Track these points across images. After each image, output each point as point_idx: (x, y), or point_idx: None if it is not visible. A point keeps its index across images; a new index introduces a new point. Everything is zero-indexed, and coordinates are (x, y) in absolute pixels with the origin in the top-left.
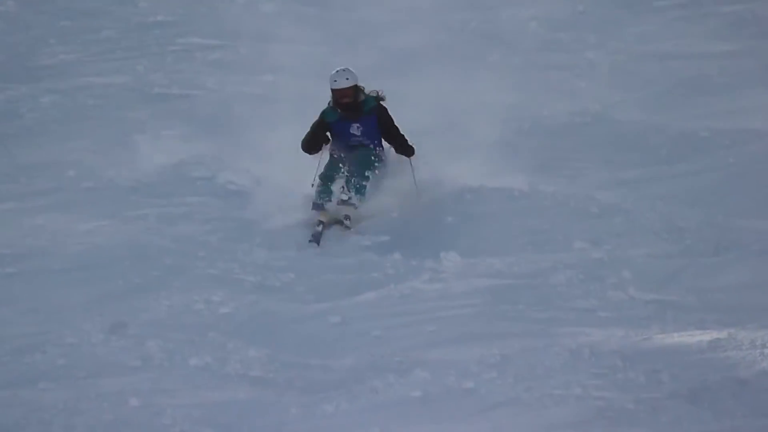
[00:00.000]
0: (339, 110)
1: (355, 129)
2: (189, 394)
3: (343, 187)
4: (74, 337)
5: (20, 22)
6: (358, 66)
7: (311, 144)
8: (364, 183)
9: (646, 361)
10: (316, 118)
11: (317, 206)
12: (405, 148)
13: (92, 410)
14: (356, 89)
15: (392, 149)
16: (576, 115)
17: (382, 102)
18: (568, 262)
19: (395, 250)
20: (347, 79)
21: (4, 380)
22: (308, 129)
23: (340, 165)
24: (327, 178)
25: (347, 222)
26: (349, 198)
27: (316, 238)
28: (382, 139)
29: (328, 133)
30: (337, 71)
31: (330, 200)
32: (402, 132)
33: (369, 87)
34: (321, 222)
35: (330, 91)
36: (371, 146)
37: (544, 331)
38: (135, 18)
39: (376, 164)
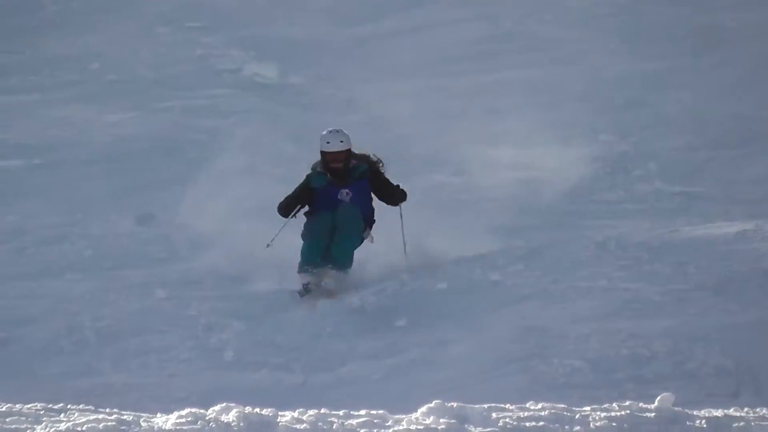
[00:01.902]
0: (328, 175)
1: (343, 195)
2: (214, 287)
3: (329, 265)
4: (101, 229)
5: None
6: None
7: (289, 209)
8: (350, 254)
9: (672, 252)
10: (301, 181)
11: (305, 270)
12: (397, 198)
13: (119, 301)
14: (349, 154)
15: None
16: (600, 5)
17: (378, 164)
18: (594, 155)
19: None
20: (341, 141)
21: (31, 271)
22: (291, 191)
23: (324, 228)
24: (313, 247)
25: (333, 292)
26: (334, 280)
27: (307, 291)
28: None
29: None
30: (330, 132)
31: (316, 274)
32: (393, 183)
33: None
34: (308, 284)
35: (320, 152)
36: (359, 210)
37: (571, 224)
38: None
39: (365, 235)
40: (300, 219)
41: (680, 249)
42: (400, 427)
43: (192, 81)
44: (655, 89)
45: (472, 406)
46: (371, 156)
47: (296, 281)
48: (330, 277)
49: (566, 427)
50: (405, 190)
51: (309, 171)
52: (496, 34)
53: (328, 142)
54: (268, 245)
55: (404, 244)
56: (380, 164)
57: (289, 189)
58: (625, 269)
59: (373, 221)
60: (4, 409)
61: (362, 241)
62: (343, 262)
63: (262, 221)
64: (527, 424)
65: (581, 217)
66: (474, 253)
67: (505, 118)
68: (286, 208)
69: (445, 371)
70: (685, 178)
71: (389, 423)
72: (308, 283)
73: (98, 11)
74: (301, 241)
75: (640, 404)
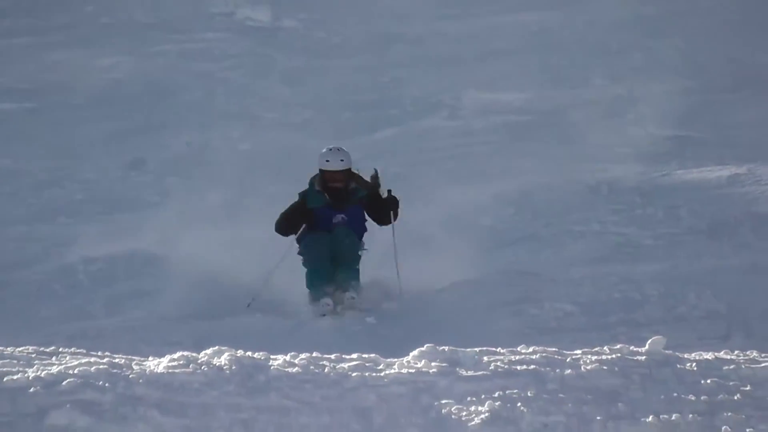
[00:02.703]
0: (326, 195)
1: (338, 219)
2: (208, 229)
3: (337, 289)
4: (93, 173)
5: None
6: None
7: (289, 228)
8: (356, 276)
9: (664, 196)
10: (295, 198)
11: (318, 301)
12: (388, 219)
13: (110, 245)
14: (350, 174)
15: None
16: None
17: (376, 180)
18: (588, 98)
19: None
20: (342, 160)
21: (23, 215)
22: (285, 208)
23: (324, 254)
24: (320, 275)
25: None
26: (352, 297)
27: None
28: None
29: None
30: (330, 150)
31: (330, 303)
32: (384, 196)
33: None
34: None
35: (318, 169)
36: (353, 232)
37: (563, 168)
38: None
39: (361, 253)
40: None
41: (673, 193)
42: (392, 371)
43: (186, 24)
44: (650, 34)
45: (464, 349)
46: (373, 173)
47: (311, 309)
48: (346, 298)
49: (557, 370)
50: (397, 197)
51: (306, 187)
52: None
53: (327, 161)
54: (248, 305)
55: (397, 270)
56: (378, 186)
57: (279, 135)
58: (617, 213)
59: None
60: None
61: (360, 258)
62: (352, 283)
63: (255, 167)
64: (518, 368)
65: (573, 160)
66: (465, 197)
67: (499, 61)
68: (287, 228)
69: (437, 315)
70: (679, 122)
71: (381, 366)
72: (325, 314)
73: None
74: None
75: (632, 347)
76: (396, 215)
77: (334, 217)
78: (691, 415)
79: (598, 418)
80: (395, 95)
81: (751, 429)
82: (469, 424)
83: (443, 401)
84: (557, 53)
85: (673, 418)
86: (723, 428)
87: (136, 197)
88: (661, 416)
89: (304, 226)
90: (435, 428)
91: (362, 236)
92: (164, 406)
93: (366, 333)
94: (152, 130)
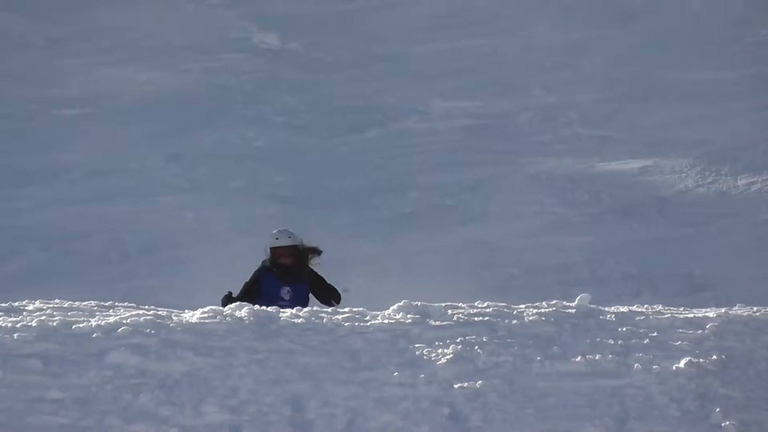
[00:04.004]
0: (275, 270)
1: (284, 293)
2: (231, 209)
3: None
4: (138, 164)
5: None
6: None
7: (234, 301)
8: None
9: (589, 183)
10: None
11: None
12: (333, 296)
13: (155, 220)
14: (297, 250)
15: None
16: None
17: (317, 257)
18: (528, 106)
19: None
20: (289, 237)
21: (78, 197)
22: (239, 288)
23: None
24: None
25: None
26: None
27: None
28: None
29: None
30: (279, 230)
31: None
32: (329, 282)
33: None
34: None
35: (269, 248)
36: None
37: (510, 160)
38: None
39: None
40: None
41: (595, 180)
42: (376, 321)
43: (210, 47)
44: (577, 54)
45: (432, 304)
46: (317, 249)
47: None
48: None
49: (506, 320)
50: (340, 292)
51: (258, 266)
52: (452, 10)
53: (276, 239)
54: None
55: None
56: (319, 254)
57: (286, 134)
58: (552, 196)
59: None
60: (66, 305)
61: None
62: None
63: (266, 160)
64: (476, 318)
65: (518, 155)
66: (432, 183)
67: (458, 76)
68: (228, 301)
69: (411, 278)
70: (599, 124)
71: (367, 318)
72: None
73: None
74: None
75: (564, 302)
76: (338, 301)
77: (280, 290)
78: (610, 355)
79: (538, 358)
80: (377, 103)
81: (657, 365)
82: (437, 363)
83: (416, 345)
84: (503, 70)
85: (597, 357)
86: (635, 365)
87: (173, 183)
88: (587, 356)
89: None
90: (410, 366)
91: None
92: (196, 348)
93: (355, 292)
94: (184, 131)
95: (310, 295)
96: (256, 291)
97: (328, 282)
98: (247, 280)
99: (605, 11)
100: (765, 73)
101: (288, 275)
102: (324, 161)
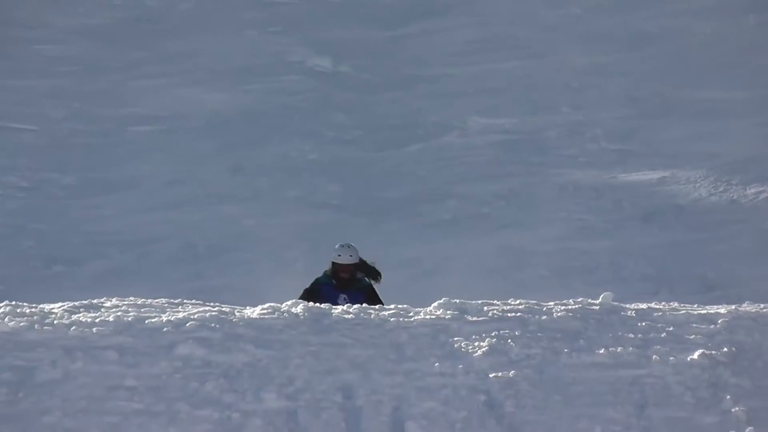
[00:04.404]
0: (334, 282)
1: (341, 300)
2: (288, 216)
3: None
4: (206, 175)
5: None
6: None
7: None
8: None
9: (612, 192)
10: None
11: None
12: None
13: (219, 228)
14: (357, 267)
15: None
16: (564, 15)
17: (374, 281)
18: (557, 122)
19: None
20: (351, 256)
21: (153, 205)
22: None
23: None
24: None
25: None
26: None
27: None
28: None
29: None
30: (342, 246)
31: None
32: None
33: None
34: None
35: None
36: None
37: (540, 172)
38: None
39: None
40: None
41: (617, 190)
42: (419, 317)
43: (270, 70)
44: (600, 75)
45: (469, 302)
46: (375, 268)
47: None
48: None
49: (536, 316)
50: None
51: (320, 275)
52: (487, 36)
53: (339, 255)
54: None
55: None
56: (378, 280)
57: (337, 148)
58: (578, 204)
59: None
60: (140, 302)
61: None
62: None
63: (321, 172)
64: (509, 315)
65: (547, 167)
66: (470, 193)
67: (494, 95)
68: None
69: (451, 278)
70: (621, 139)
71: (411, 314)
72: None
73: (204, 19)
74: None
75: (589, 300)
76: None
77: (339, 298)
78: (631, 348)
79: (565, 350)
80: (419, 120)
81: (673, 357)
82: (474, 355)
83: (455, 338)
84: (535, 90)
85: (619, 350)
86: (653, 357)
87: (236, 193)
88: (609, 349)
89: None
90: (449, 358)
91: None
92: (257, 341)
93: (399, 291)
94: (246, 145)
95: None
96: (314, 297)
97: (380, 297)
98: (307, 287)
99: (625, 37)
100: None
101: (346, 285)
102: (371, 173)
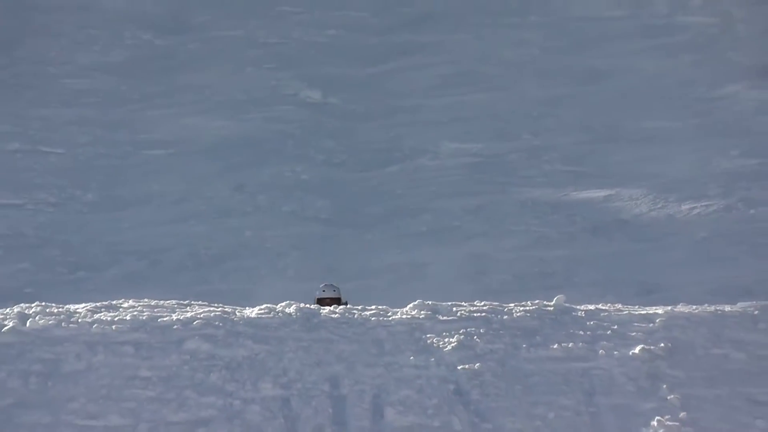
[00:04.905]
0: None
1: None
2: (283, 229)
3: None
4: (210, 193)
5: None
6: None
7: None
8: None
9: (566, 209)
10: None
11: None
12: None
13: (222, 239)
14: (337, 302)
15: None
16: (522, 55)
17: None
18: (519, 147)
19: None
20: (334, 291)
21: (164, 219)
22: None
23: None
24: None
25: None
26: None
27: None
28: None
29: None
30: (326, 285)
31: None
32: None
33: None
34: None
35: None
36: None
37: (503, 190)
38: None
39: None
40: None
41: (571, 206)
42: (396, 316)
43: (267, 101)
44: (557, 106)
45: (441, 303)
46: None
47: None
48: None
49: (499, 316)
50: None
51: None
52: (458, 71)
53: (323, 291)
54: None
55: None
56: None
57: (327, 170)
58: (536, 218)
59: None
60: (153, 303)
61: None
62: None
63: (310, 191)
64: (475, 314)
65: (510, 186)
66: (441, 208)
67: (463, 124)
68: None
69: (425, 282)
70: (574, 162)
71: (390, 314)
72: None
73: (209, 57)
74: None
75: (545, 302)
76: None
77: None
78: (580, 344)
79: (524, 345)
80: (398, 145)
81: (617, 351)
82: (444, 350)
83: (428, 335)
84: (499, 119)
85: (570, 345)
86: (600, 351)
87: (238, 208)
88: (562, 344)
89: None
90: (423, 352)
91: None
92: (255, 337)
93: (380, 294)
94: (246, 167)
95: None
96: None
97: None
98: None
99: (578, 73)
100: (704, 123)
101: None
102: (356, 191)
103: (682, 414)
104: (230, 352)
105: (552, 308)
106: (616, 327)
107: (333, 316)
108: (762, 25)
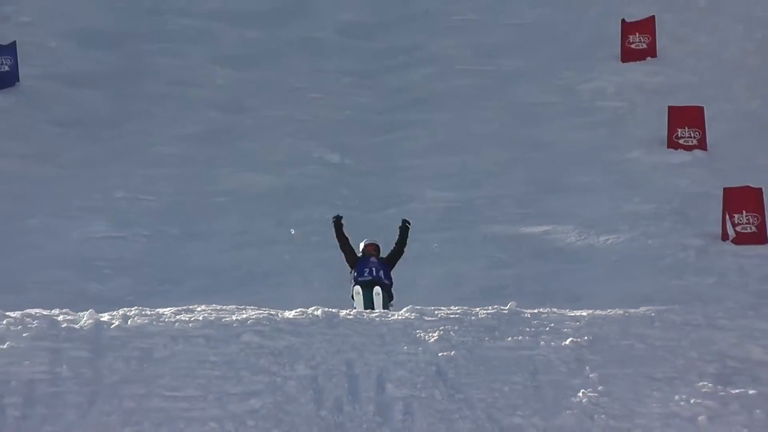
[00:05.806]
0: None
1: (373, 263)
2: (311, 254)
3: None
4: (259, 228)
5: None
6: None
7: (339, 238)
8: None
9: (517, 240)
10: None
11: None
12: (400, 240)
13: (268, 261)
14: (378, 249)
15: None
16: (481, 119)
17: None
18: (484, 195)
19: None
20: (374, 240)
21: (228, 246)
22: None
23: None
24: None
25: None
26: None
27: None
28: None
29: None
30: (369, 239)
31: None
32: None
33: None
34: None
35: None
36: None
37: (472, 226)
38: None
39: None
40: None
41: (520, 238)
42: (393, 317)
43: (301, 162)
44: (511, 166)
45: (427, 308)
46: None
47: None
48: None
49: (468, 317)
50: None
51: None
52: (437, 141)
53: (367, 243)
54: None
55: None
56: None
57: (344, 213)
58: (496, 247)
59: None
60: (219, 308)
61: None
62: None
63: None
64: (451, 316)
65: (476, 223)
66: (426, 238)
67: (443, 179)
68: (337, 222)
69: (415, 294)
70: (524, 206)
71: (389, 316)
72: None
73: (260, 130)
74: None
75: (501, 307)
76: (405, 231)
77: (369, 261)
78: (527, 337)
79: (486, 338)
80: (395, 193)
81: (554, 342)
82: (429, 341)
83: (417, 331)
84: (469, 174)
85: (519, 338)
86: (541, 342)
87: (278, 239)
88: (514, 337)
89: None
90: (413, 343)
91: (390, 289)
92: (292, 332)
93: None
94: (285, 209)
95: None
96: (352, 249)
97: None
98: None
99: (528, 142)
100: (616, 178)
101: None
102: (365, 228)
103: (600, 387)
104: (274, 343)
105: (507, 312)
106: (552, 325)
107: (348, 317)
108: (657, 107)
